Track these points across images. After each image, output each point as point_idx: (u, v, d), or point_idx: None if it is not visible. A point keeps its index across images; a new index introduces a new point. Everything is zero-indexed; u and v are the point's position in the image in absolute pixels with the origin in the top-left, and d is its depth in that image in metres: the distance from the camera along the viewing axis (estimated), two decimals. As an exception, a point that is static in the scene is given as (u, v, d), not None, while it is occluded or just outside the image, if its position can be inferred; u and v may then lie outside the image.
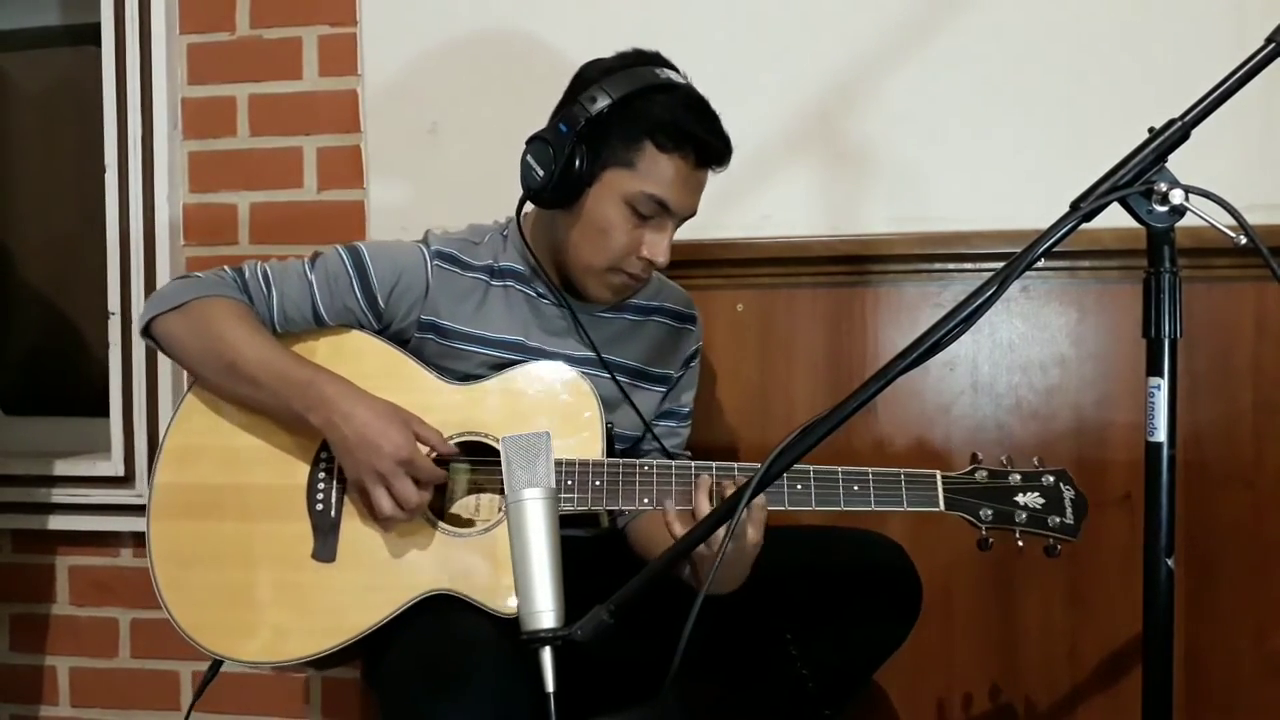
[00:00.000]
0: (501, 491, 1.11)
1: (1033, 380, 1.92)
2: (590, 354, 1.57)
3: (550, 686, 1.06)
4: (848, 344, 1.95)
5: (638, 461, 1.45)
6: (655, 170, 1.45)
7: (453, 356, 1.53)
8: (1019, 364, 1.92)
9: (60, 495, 2.20)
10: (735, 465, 1.42)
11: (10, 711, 2.30)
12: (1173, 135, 1.03)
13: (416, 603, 1.42)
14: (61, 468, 2.20)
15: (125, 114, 2.16)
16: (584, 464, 1.44)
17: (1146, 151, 1.04)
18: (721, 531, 1.12)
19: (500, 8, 2.03)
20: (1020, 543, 1.40)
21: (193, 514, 1.50)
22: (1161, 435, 1.06)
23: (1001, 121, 1.90)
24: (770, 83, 1.94)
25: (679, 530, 1.31)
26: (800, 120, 1.94)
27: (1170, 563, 1.06)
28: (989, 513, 1.40)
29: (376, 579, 1.44)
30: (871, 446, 1.94)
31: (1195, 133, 1.03)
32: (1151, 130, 1.05)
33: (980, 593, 1.92)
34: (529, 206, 1.56)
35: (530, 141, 1.48)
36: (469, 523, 1.48)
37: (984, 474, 1.42)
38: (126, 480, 2.17)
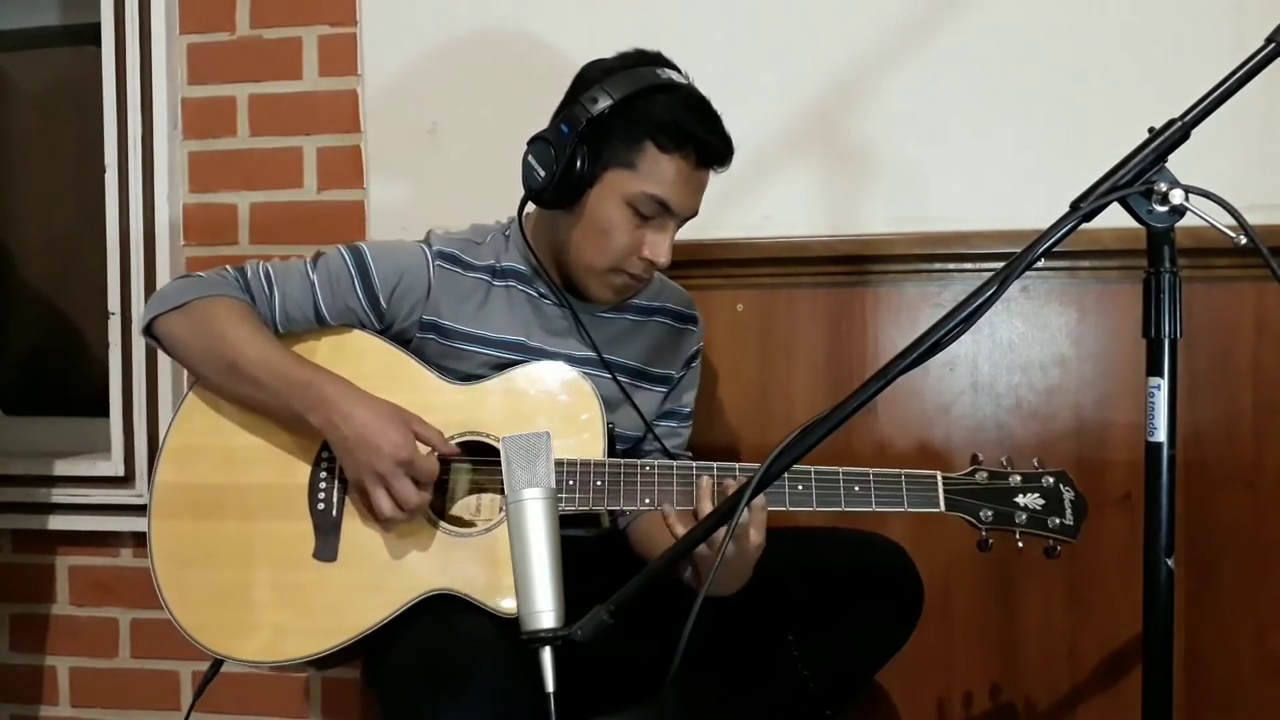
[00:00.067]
0: (502, 491, 1.11)
1: (1033, 380, 1.92)
2: (591, 354, 1.57)
3: (550, 686, 1.06)
4: (848, 344, 1.95)
5: (638, 462, 1.45)
6: (656, 170, 1.45)
7: (454, 356, 1.53)
8: (1019, 364, 1.92)
9: (60, 495, 2.20)
10: (736, 465, 1.42)
11: (10, 711, 2.30)
12: (1173, 135, 1.03)
13: (417, 603, 1.42)
14: (61, 468, 2.20)
15: (125, 114, 2.16)
16: (585, 464, 1.44)
17: (1146, 151, 1.04)
18: (722, 531, 1.12)
19: (500, 8, 2.03)
20: (1020, 544, 1.40)
21: (194, 513, 1.50)
22: (1161, 435, 1.06)
23: (1001, 121, 1.90)
24: (770, 83, 1.94)
25: (680, 532, 1.31)
26: (800, 120, 1.94)
27: (1170, 563, 1.06)
28: (989, 514, 1.40)
29: (377, 579, 1.44)
30: (871, 446, 1.94)
31: (1195, 133, 1.03)
32: (1151, 130, 1.05)
33: (980, 593, 1.92)
34: (530, 207, 1.56)
35: (532, 142, 1.48)
36: (470, 523, 1.48)
37: (984, 475, 1.42)
38: (126, 480, 2.17)
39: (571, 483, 1.43)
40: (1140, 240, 1.07)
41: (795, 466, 1.34)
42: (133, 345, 2.16)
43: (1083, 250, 1.82)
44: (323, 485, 1.49)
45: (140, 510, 2.11)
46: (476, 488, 1.51)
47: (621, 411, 1.59)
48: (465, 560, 1.44)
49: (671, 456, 1.62)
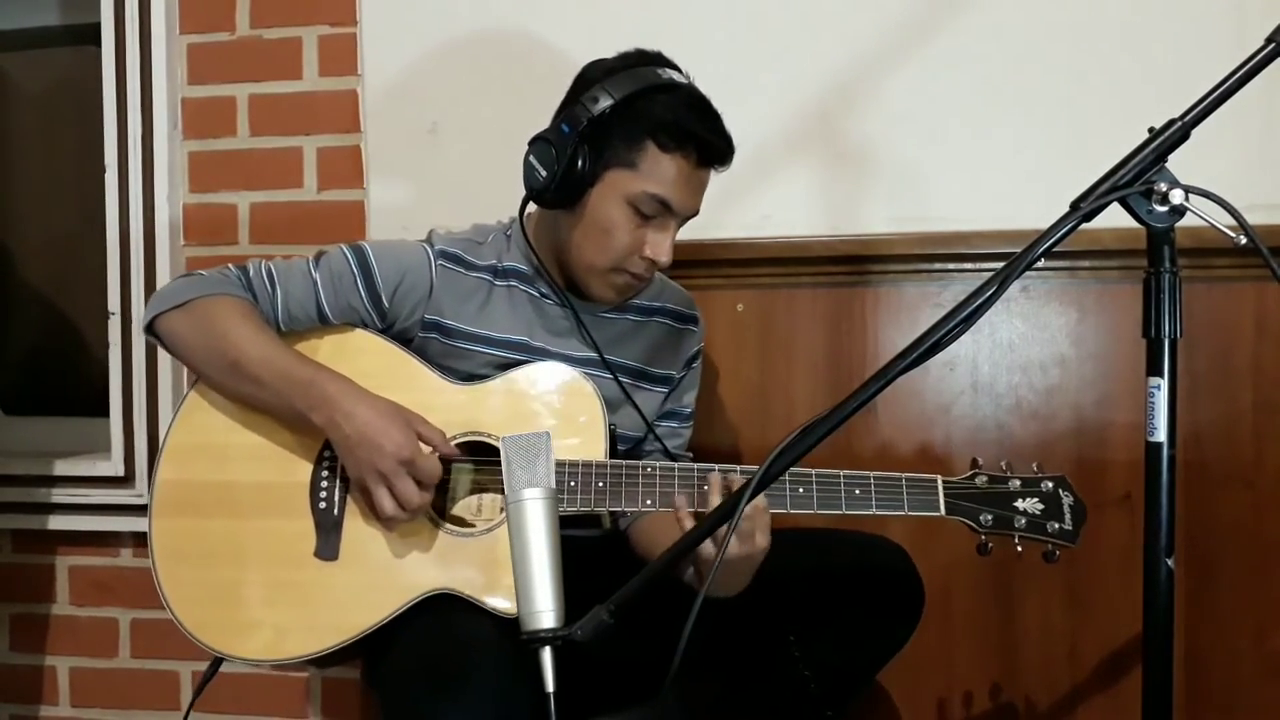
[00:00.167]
0: (503, 491, 1.11)
1: (1033, 380, 1.92)
2: (592, 354, 1.58)
3: (550, 686, 1.06)
4: (848, 344, 1.95)
5: (640, 463, 1.45)
6: (657, 170, 1.46)
7: (456, 356, 1.53)
8: (1019, 364, 1.92)
9: (60, 495, 2.20)
10: (738, 468, 1.42)
11: (10, 711, 2.30)
12: (1173, 135, 1.03)
13: (418, 602, 1.42)
14: (61, 468, 2.20)
15: (125, 114, 2.16)
16: (587, 465, 1.44)
17: (1146, 151, 1.04)
18: (723, 531, 1.12)
19: (500, 8, 2.03)
20: (1019, 548, 1.40)
21: (195, 511, 1.50)
22: (1161, 435, 1.06)
23: (1001, 121, 1.90)
24: (770, 83, 1.94)
25: (690, 526, 1.31)
26: (800, 120, 1.94)
27: (1170, 563, 1.06)
28: (989, 518, 1.40)
29: (378, 578, 1.44)
30: (871, 447, 1.94)
31: (1195, 133, 1.03)
32: (1151, 130, 1.05)
33: (980, 593, 1.92)
34: (531, 206, 1.56)
35: (533, 142, 1.48)
36: (471, 523, 1.48)
37: (984, 479, 1.42)
38: (126, 480, 2.17)
39: (573, 483, 1.43)
40: (1140, 240, 1.07)
41: (796, 469, 1.35)
42: (133, 345, 2.16)
43: (1083, 250, 1.82)
44: (324, 484, 1.49)
45: (140, 510, 2.11)
46: (478, 488, 1.51)
47: (622, 412, 1.59)
48: (466, 560, 1.44)
49: (672, 457, 1.62)
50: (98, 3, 2.17)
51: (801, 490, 1.41)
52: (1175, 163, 1.04)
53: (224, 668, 1.51)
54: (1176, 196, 1.03)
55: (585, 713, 1.37)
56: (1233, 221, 1.02)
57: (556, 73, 1.56)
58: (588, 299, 1.57)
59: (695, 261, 1.85)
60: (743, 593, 1.39)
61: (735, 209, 1.91)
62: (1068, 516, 1.40)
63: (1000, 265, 1.04)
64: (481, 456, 1.50)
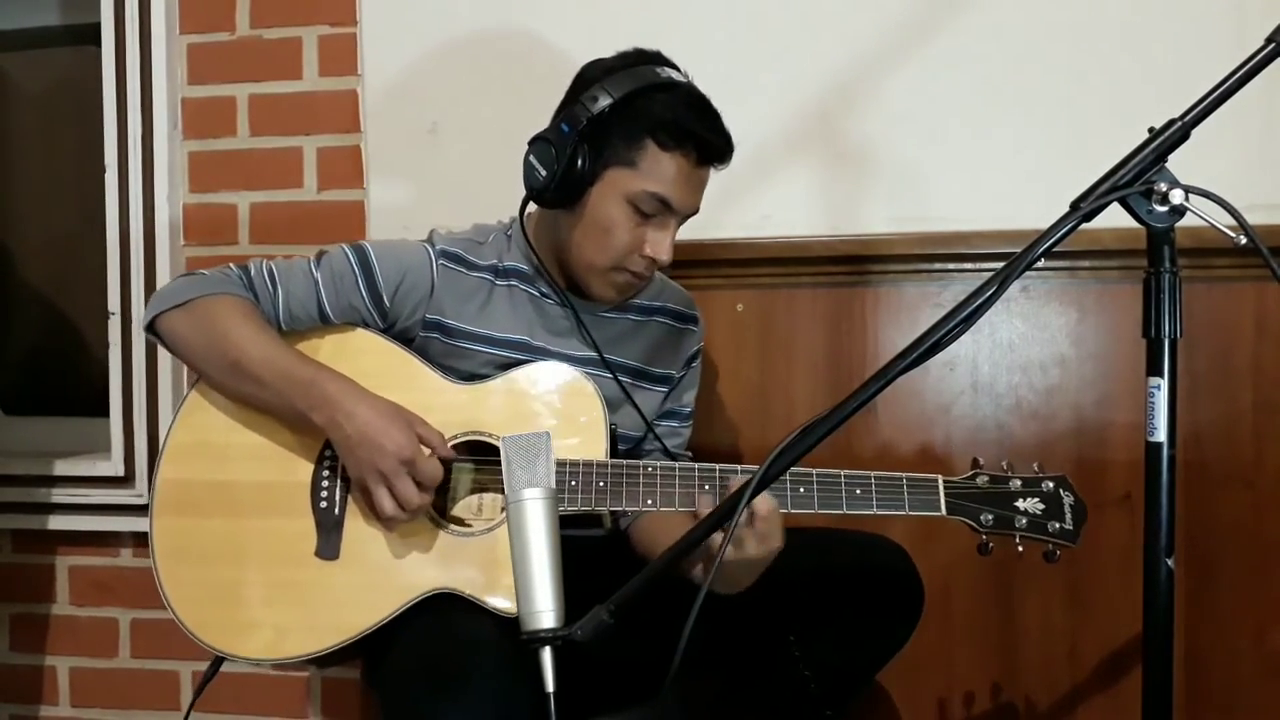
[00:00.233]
0: (504, 491, 1.11)
1: (1033, 380, 1.92)
2: (592, 354, 1.58)
3: (550, 686, 1.06)
4: (848, 344, 1.95)
5: (641, 463, 1.45)
6: (657, 168, 1.46)
7: (457, 356, 1.53)
8: (1019, 364, 1.92)
9: (60, 495, 2.20)
10: (738, 467, 1.43)
11: (10, 711, 2.30)
12: (1173, 135, 1.03)
13: (418, 602, 1.42)
14: (61, 468, 2.20)
15: (125, 114, 2.16)
16: (588, 464, 1.44)
17: (1146, 151, 1.04)
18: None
19: (500, 8, 2.03)
20: (1020, 548, 1.40)
21: (196, 510, 1.50)
22: (1161, 435, 1.06)
23: (1001, 121, 1.90)
24: (770, 83, 1.94)
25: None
26: (800, 120, 1.94)
27: (1170, 563, 1.06)
28: (989, 518, 1.40)
29: (379, 577, 1.44)
30: (871, 447, 1.94)
31: (1195, 133, 1.03)
32: (1151, 130, 1.05)
33: (980, 593, 1.92)
34: (532, 206, 1.56)
35: (532, 141, 1.48)
36: (472, 523, 1.48)
37: (985, 479, 1.42)
38: (126, 480, 2.17)
39: (574, 483, 1.43)
40: (1140, 240, 1.07)
41: (797, 469, 1.35)
42: (133, 345, 2.16)
43: (1083, 250, 1.82)
44: (325, 484, 1.49)
45: (140, 510, 2.11)
46: (478, 487, 1.51)
47: (622, 411, 1.59)
48: (466, 560, 1.44)
49: (672, 456, 1.62)
50: (98, 3, 2.17)
51: (802, 490, 1.41)
52: (1175, 163, 1.04)
53: (224, 667, 1.51)
54: (1176, 196, 1.03)
55: (585, 713, 1.37)
56: (1233, 221, 1.02)
57: (557, 73, 1.56)
58: (588, 298, 1.57)
59: (695, 261, 1.85)
60: (743, 592, 1.39)
61: (735, 209, 1.91)
62: (1068, 516, 1.40)
63: (1000, 265, 1.04)
64: (482, 456, 1.50)
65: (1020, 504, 1.40)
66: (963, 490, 1.41)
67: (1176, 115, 1.04)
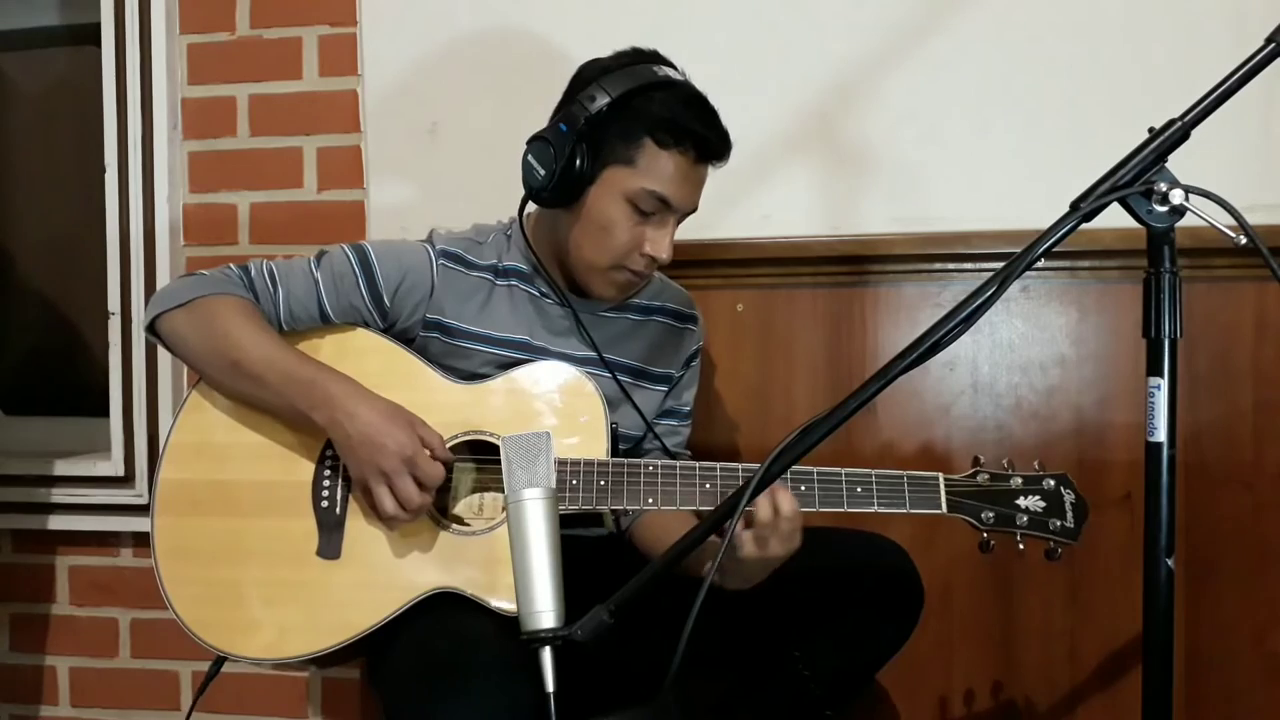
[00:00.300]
0: (504, 491, 1.11)
1: (1033, 380, 1.92)
2: (592, 353, 1.58)
3: (550, 686, 1.06)
4: (848, 344, 1.95)
5: (642, 462, 1.45)
6: (656, 167, 1.46)
7: (458, 355, 1.54)
8: (1019, 364, 1.92)
9: (60, 495, 2.20)
10: (739, 466, 1.43)
11: (10, 711, 2.30)
12: (1173, 135, 1.04)
13: (419, 601, 1.42)
14: (61, 468, 2.20)
15: (125, 114, 2.16)
16: (589, 464, 1.44)
17: (1146, 151, 1.04)
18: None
19: (500, 8, 2.03)
20: (1021, 545, 1.40)
21: (196, 510, 1.50)
22: (1161, 435, 1.06)
23: (1001, 121, 1.90)
24: (770, 83, 1.94)
25: (740, 528, 1.32)
26: (800, 120, 1.95)
27: (1170, 563, 1.07)
28: (990, 515, 1.40)
29: (380, 577, 1.44)
30: (871, 447, 1.94)
31: (1195, 133, 1.04)
32: (1151, 130, 1.05)
33: (980, 593, 1.92)
34: (531, 206, 1.56)
35: (531, 141, 1.48)
36: (473, 522, 1.48)
37: (986, 477, 1.42)
38: (126, 480, 2.17)
39: (575, 482, 1.43)
40: (1140, 240, 1.07)
41: (798, 468, 1.35)
42: (133, 345, 2.16)
43: (1083, 250, 1.83)
44: (326, 483, 1.49)
45: (140, 510, 2.11)
46: (479, 487, 1.52)
47: (622, 411, 1.59)
48: (467, 559, 1.44)
49: (671, 455, 1.62)
50: (98, 3, 2.17)
51: (804, 488, 1.41)
52: (1175, 163, 1.04)
53: (225, 667, 1.51)
54: (1176, 196, 1.03)
55: (585, 713, 1.36)
56: (1233, 221, 1.02)
57: (556, 73, 1.56)
58: (588, 298, 1.57)
59: (695, 261, 1.85)
60: (743, 592, 1.39)
61: (735, 209, 1.91)
62: (1070, 514, 1.41)
63: (1000, 265, 1.04)
64: (483, 456, 1.50)
65: (1021, 502, 1.41)
66: (963, 488, 1.41)
67: (1176, 115, 1.04)
